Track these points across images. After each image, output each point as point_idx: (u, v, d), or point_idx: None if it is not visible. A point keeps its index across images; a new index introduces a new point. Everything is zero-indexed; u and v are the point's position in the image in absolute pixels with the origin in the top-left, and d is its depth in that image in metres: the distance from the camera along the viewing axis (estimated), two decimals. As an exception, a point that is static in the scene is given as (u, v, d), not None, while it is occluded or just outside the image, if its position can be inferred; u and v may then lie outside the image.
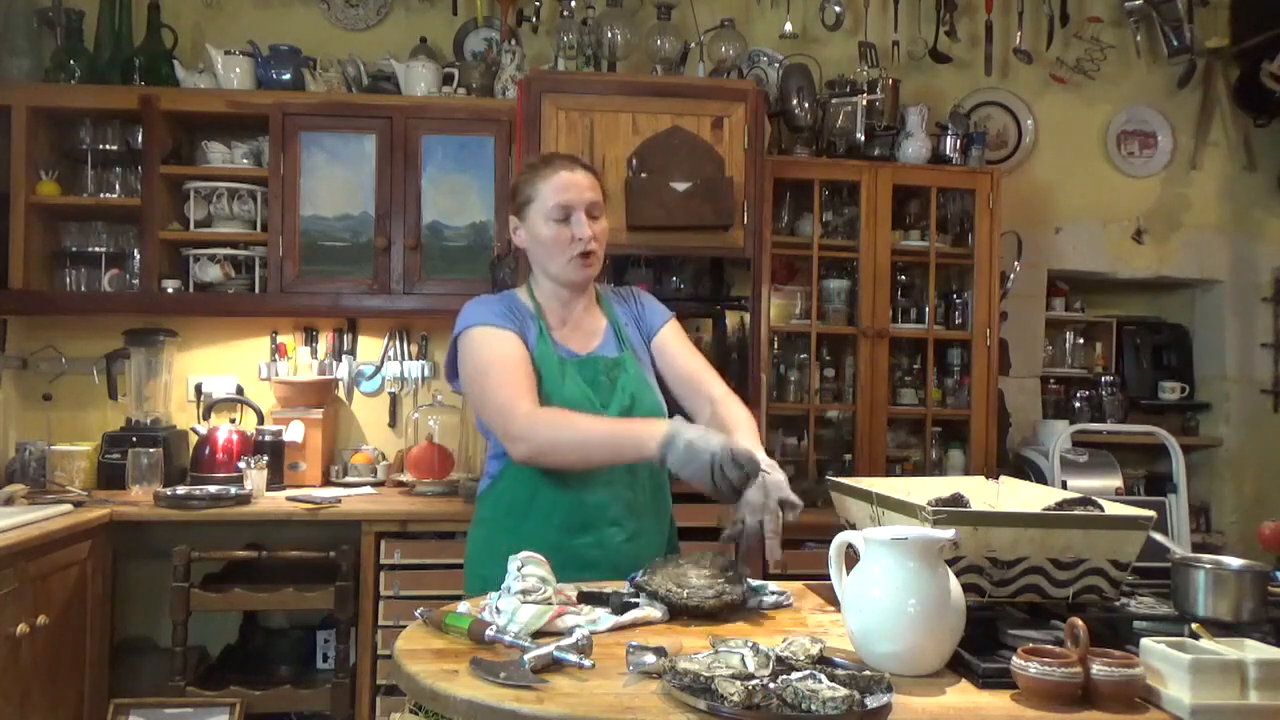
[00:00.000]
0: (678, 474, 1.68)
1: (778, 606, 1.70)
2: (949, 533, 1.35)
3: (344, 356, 3.73)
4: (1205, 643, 1.32)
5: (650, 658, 1.30)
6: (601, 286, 2.09)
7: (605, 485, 1.88)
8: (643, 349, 2.03)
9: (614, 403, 1.91)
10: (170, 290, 3.38)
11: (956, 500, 1.64)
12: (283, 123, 3.38)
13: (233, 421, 3.52)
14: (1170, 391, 4.18)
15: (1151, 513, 1.51)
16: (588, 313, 2.02)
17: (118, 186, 3.50)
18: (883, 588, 1.32)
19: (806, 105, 3.57)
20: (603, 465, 1.84)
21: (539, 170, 1.94)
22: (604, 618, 1.53)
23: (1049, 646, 1.29)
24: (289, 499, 3.18)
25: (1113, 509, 1.58)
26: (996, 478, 1.93)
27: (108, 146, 3.46)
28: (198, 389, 3.62)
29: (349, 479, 3.54)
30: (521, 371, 1.86)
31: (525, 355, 1.89)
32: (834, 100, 3.56)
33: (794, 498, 1.71)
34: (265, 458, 3.28)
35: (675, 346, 2.04)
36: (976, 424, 3.55)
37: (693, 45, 3.65)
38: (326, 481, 3.53)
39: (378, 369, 3.74)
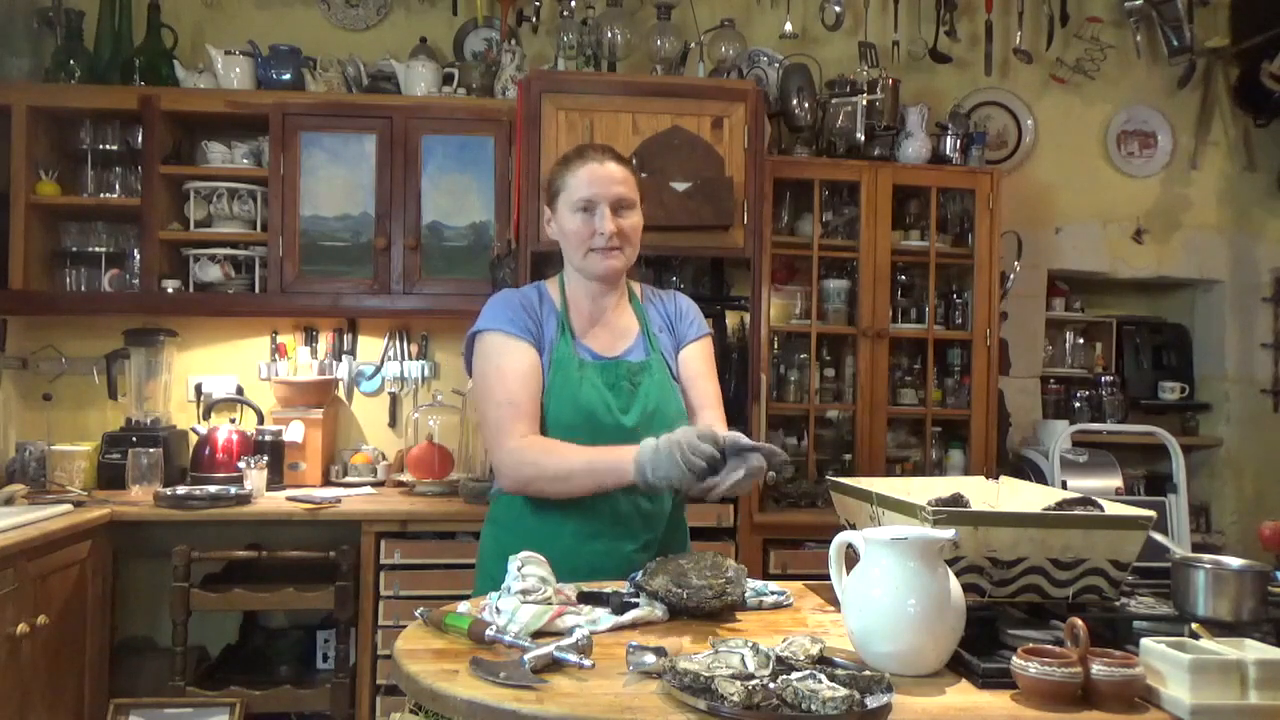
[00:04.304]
0: (657, 482, 1.66)
1: (778, 606, 1.71)
2: (949, 533, 1.35)
3: (344, 356, 3.73)
4: (1205, 643, 1.32)
5: (650, 658, 1.30)
6: (640, 285, 2.06)
7: (624, 494, 1.83)
8: (672, 355, 1.99)
9: (634, 408, 1.88)
10: (170, 290, 3.38)
11: (956, 500, 1.64)
12: (283, 123, 3.38)
13: (233, 421, 3.52)
14: (1170, 391, 4.18)
15: (1151, 513, 1.52)
16: (618, 311, 1.98)
17: (118, 186, 3.50)
18: (883, 588, 1.32)
19: (806, 105, 3.57)
20: (589, 494, 1.80)
21: (571, 161, 1.93)
22: (604, 618, 1.53)
23: (1049, 646, 1.29)
24: (289, 499, 3.18)
25: (1113, 509, 1.58)
26: (996, 478, 1.93)
27: (108, 146, 3.46)
28: (198, 389, 3.62)
29: (349, 479, 3.54)
30: (523, 392, 1.84)
31: (533, 370, 1.87)
32: (834, 100, 3.56)
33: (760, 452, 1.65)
34: (265, 458, 3.28)
35: (695, 368, 1.98)
36: (976, 424, 3.55)
37: (693, 45, 3.65)
38: (326, 481, 3.53)
39: (378, 369, 3.74)
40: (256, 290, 3.45)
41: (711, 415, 1.94)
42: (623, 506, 1.86)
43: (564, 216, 1.92)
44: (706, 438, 1.63)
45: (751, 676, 1.20)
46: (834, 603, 1.51)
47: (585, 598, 1.61)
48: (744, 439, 1.65)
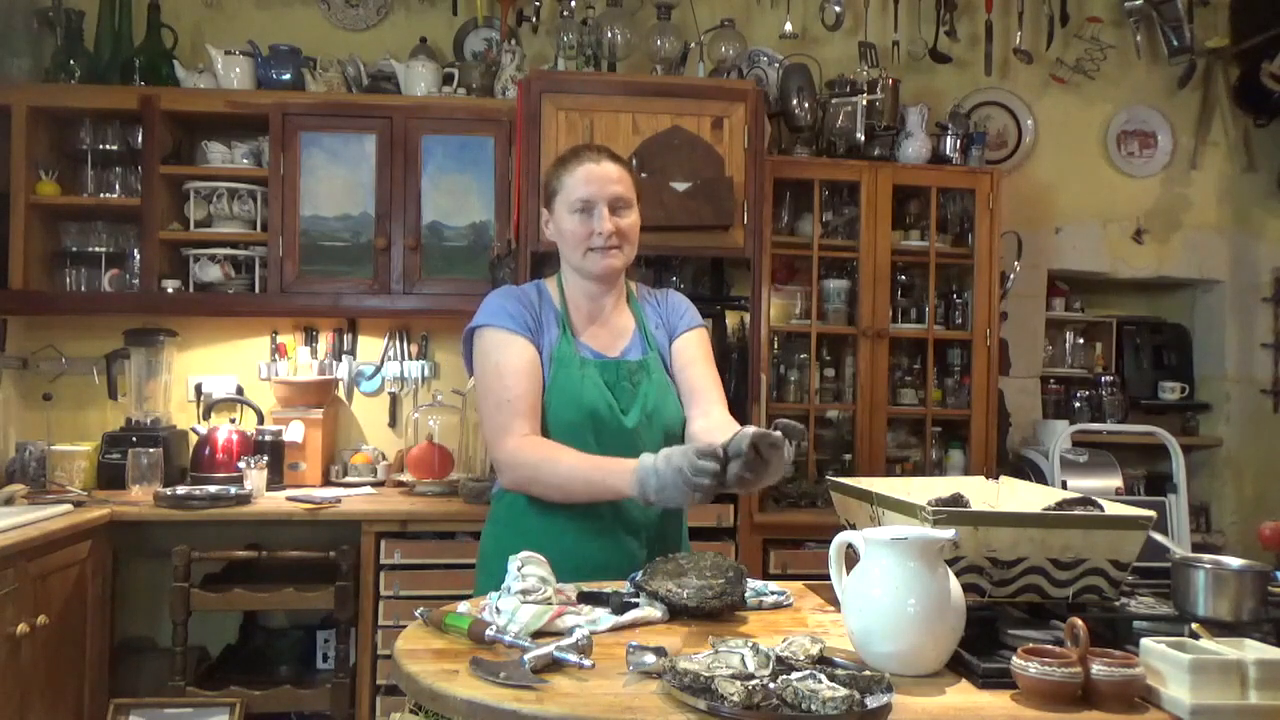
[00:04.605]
0: (663, 505, 1.67)
1: (778, 606, 1.71)
2: (949, 533, 1.35)
3: (344, 356, 3.73)
4: (1205, 643, 1.32)
5: (650, 658, 1.30)
6: (636, 285, 2.06)
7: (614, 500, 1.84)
8: (668, 351, 1.99)
9: (634, 408, 1.89)
10: (170, 290, 3.39)
11: (956, 500, 1.63)
12: (283, 123, 3.38)
13: (233, 421, 3.52)
14: (1170, 391, 4.18)
15: (1151, 513, 1.51)
16: (616, 310, 1.99)
17: (118, 186, 3.50)
18: (883, 588, 1.32)
19: (806, 105, 3.57)
20: (584, 502, 1.82)
21: (567, 161, 1.93)
22: (604, 618, 1.53)
23: (1049, 646, 1.29)
24: (289, 499, 3.18)
25: (1113, 509, 1.58)
26: (996, 478, 1.93)
27: (108, 146, 3.46)
28: (198, 389, 3.62)
29: (349, 479, 3.54)
30: (522, 388, 1.84)
31: (532, 366, 1.87)
32: (834, 100, 3.56)
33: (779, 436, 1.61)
34: (265, 458, 3.28)
35: (690, 354, 1.99)
36: (976, 424, 3.55)
37: (693, 45, 3.65)
38: (326, 481, 3.53)
39: (378, 369, 3.74)
40: (256, 290, 3.45)
41: (710, 401, 1.94)
42: (624, 507, 1.86)
43: (562, 217, 1.92)
44: (707, 454, 1.59)
45: (751, 676, 1.20)
46: (834, 603, 1.51)
47: (585, 598, 1.61)
48: (770, 436, 1.60)
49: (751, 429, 1.60)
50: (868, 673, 1.23)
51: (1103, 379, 4.03)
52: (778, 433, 1.60)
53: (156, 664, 3.12)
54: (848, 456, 3.53)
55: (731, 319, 3.56)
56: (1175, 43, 3.91)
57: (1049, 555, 1.47)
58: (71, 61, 3.45)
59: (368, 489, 3.44)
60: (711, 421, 1.89)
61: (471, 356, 1.94)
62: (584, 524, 1.85)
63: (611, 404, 1.88)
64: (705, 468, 1.58)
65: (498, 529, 1.96)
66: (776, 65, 3.75)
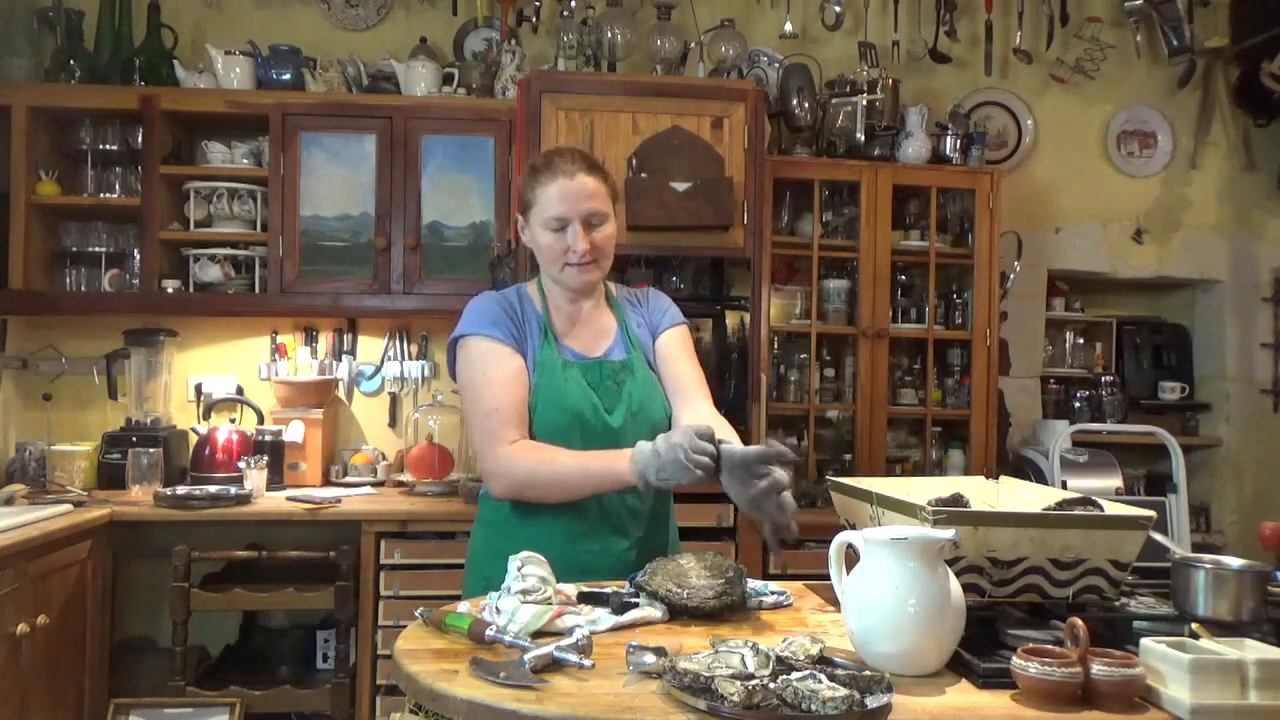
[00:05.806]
0: (660, 484, 1.68)
1: (778, 606, 1.70)
2: (949, 533, 1.35)
3: (344, 356, 3.73)
4: (1205, 643, 1.32)
5: (650, 658, 1.30)
6: (616, 286, 2.06)
7: (614, 492, 1.84)
8: (651, 350, 2.00)
9: (619, 408, 1.89)
10: (170, 290, 3.39)
11: (956, 500, 1.63)
12: (283, 123, 3.38)
13: (233, 421, 3.52)
14: (1170, 391, 4.18)
15: (1151, 513, 1.51)
16: (597, 312, 1.99)
17: (118, 186, 3.50)
18: (883, 588, 1.32)
19: (806, 105, 3.57)
20: (585, 496, 1.82)
21: (541, 174, 1.89)
22: (604, 618, 1.53)
23: (1049, 646, 1.29)
24: (289, 499, 3.18)
25: (1113, 509, 1.58)
26: (996, 478, 1.93)
27: (108, 146, 3.46)
28: (198, 389, 3.62)
29: (349, 479, 3.54)
30: (511, 397, 1.84)
31: (518, 373, 1.86)
32: (834, 100, 3.56)
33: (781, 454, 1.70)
34: (265, 458, 3.28)
35: (672, 351, 1.99)
36: (976, 424, 3.55)
37: (693, 45, 3.65)
38: (326, 481, 3.53)
39: (378, 369, 3.74)
40: (256, 290, 3.45)
41: (696, 397, 1.94)
42: (611, 505, 1.87)
43: (537, 231, 1.90)
44: (705, 435, 1.65)
45: (751, 676, 1.20)
46: (834, 603, 1.51)
47: (585, 598, 1.61)
48: (755, 453, 1.67)
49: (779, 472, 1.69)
50: (868, 673, 1.23)
51: (1103, 379, 4.03)
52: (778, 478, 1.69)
53: (156, 664, 3.12)
54: (848, 456, 3.53)
55: (731, 319, 3.56)
56: (1175, 43, 3.91)
57: (1049, 555, 1.47)
58: (71, 61, 3.45)
59: (368, 489, 3.44)
60: (699, 417, 1.89)
61: (455, 364, 1.94)
62: (572, 525, 1.84)
63: (596, 405, 1.87)
64: (704, 447, 1.63)
65: (486, 530, 1.95)
66: (776, 65, 3.75)
